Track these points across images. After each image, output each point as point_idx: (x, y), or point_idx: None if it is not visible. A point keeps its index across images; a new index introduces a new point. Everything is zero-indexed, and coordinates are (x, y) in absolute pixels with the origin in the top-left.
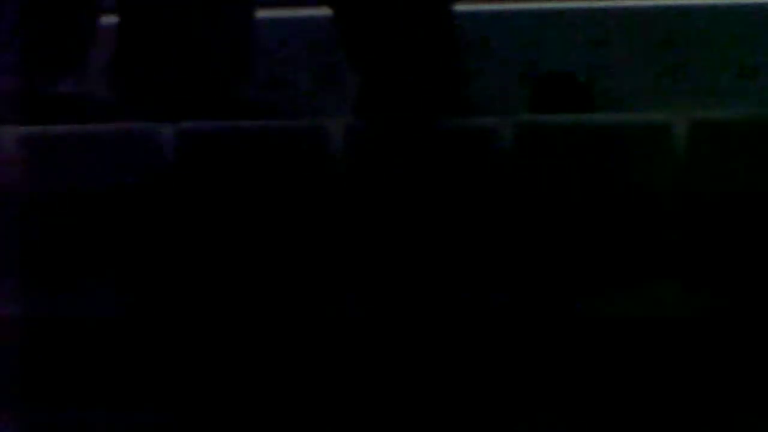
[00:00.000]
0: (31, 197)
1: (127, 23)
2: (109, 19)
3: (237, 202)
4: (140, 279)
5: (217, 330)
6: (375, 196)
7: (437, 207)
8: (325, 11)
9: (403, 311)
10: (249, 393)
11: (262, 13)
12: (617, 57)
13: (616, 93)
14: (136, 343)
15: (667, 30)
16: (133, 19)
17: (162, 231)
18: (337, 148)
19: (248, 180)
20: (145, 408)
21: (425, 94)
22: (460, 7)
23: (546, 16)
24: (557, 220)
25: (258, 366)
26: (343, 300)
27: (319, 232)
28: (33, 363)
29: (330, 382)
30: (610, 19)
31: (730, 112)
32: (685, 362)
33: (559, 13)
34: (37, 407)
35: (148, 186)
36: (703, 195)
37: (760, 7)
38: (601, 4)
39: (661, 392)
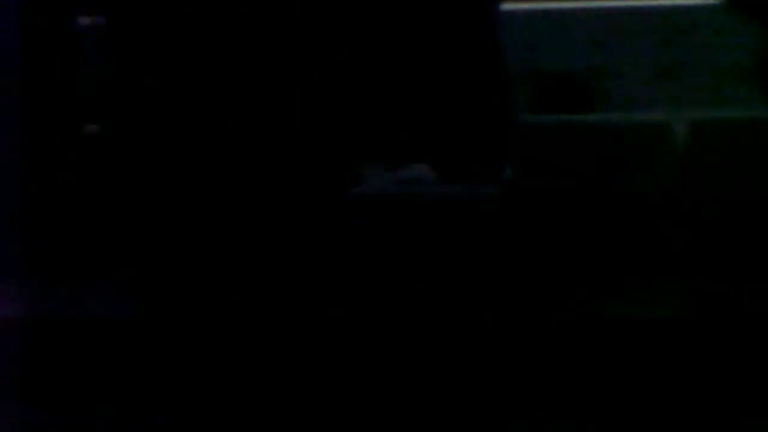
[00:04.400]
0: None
1: None
2: None
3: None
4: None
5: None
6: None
7: (435, 208)
8: None
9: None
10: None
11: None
12: (617, 57)
13: (616, 93)
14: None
15: (667, 30)
16: None
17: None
18: None
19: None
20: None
21: None
22: None
23: (546, 16)
24: (557, 219)
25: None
26: None
27: None
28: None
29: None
30: (610, 19)
31: (730, 112)
32: (684, 363)
33: (559, 13)
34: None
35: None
36: (703, 194)
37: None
38: (601, 4)
39: (655, 394)
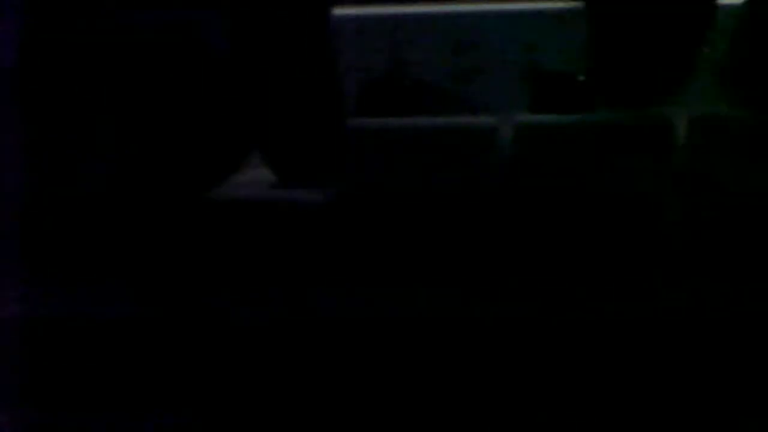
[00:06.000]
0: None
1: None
2: None
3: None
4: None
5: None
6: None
7: (435, 207)
8: None
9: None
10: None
11: None
12: None
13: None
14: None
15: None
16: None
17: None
18: None
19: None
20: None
21: None
22: (459, 7)
23: (546, 16)
24: (556, 220)
25: None
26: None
27: None
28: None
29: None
30: None
31: (730, 111)
32: (684, 363)
33: (558, 13)
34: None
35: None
36: (703, 194)
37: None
38: None
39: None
